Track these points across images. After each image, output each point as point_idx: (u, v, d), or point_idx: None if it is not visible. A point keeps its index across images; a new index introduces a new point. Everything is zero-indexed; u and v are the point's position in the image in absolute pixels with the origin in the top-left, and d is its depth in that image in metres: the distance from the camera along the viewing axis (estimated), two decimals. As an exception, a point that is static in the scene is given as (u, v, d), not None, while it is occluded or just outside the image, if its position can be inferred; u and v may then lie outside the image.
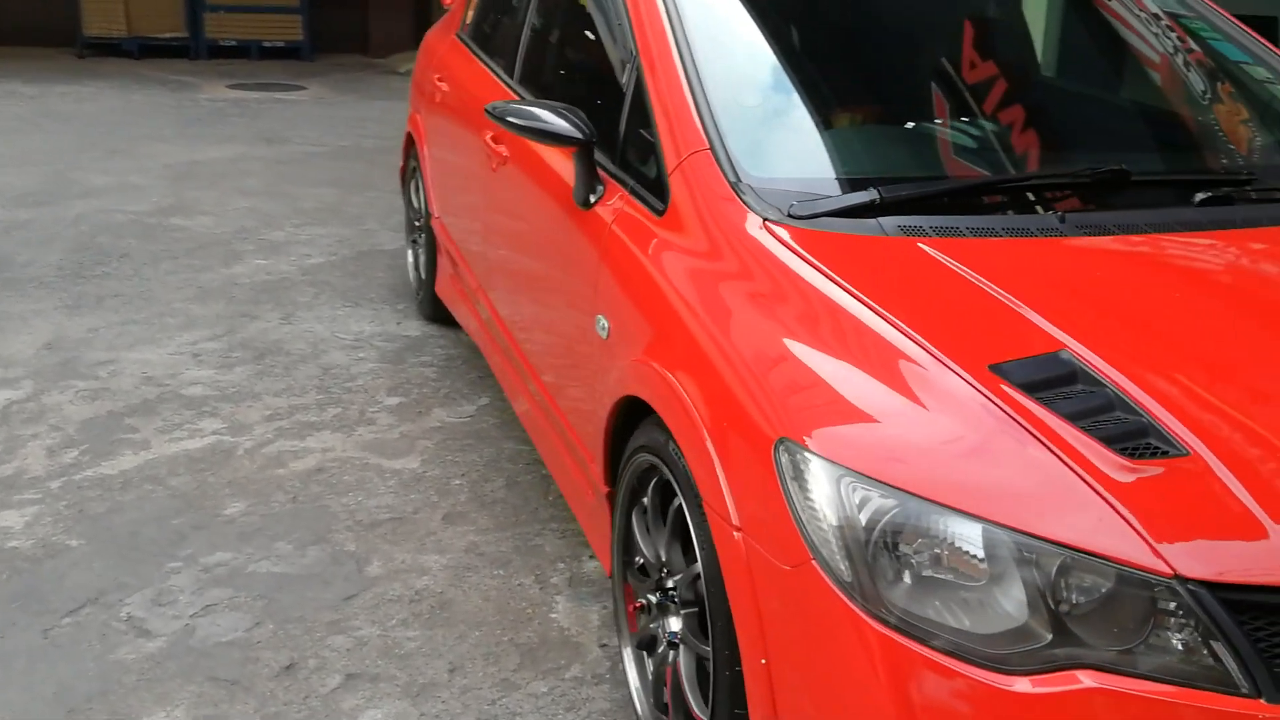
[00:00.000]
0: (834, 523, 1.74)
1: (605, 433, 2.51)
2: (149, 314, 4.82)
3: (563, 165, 2.87)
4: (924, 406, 1.82)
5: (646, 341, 2.30)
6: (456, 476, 3.58)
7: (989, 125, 2.70)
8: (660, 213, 2.42)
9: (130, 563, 3.07)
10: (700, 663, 2.21)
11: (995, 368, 1.84)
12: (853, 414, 1.84)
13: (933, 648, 1.65)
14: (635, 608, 2.52)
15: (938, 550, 1.69)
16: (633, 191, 2.55)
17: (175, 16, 11.59)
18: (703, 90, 2.51)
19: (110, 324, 4.70)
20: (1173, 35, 3.02)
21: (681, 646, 2.25)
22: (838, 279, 2.07)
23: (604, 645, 2.80)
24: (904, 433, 1.80)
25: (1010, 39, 3.10)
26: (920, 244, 2.16)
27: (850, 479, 1.74)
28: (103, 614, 2.86)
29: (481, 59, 3.96)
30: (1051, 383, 1.83)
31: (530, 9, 3.58)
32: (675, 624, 2.33)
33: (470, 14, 4.37)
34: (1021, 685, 1.61)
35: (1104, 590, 1.63)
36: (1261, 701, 1.57)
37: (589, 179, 2.66)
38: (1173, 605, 1.60)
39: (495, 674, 2.68)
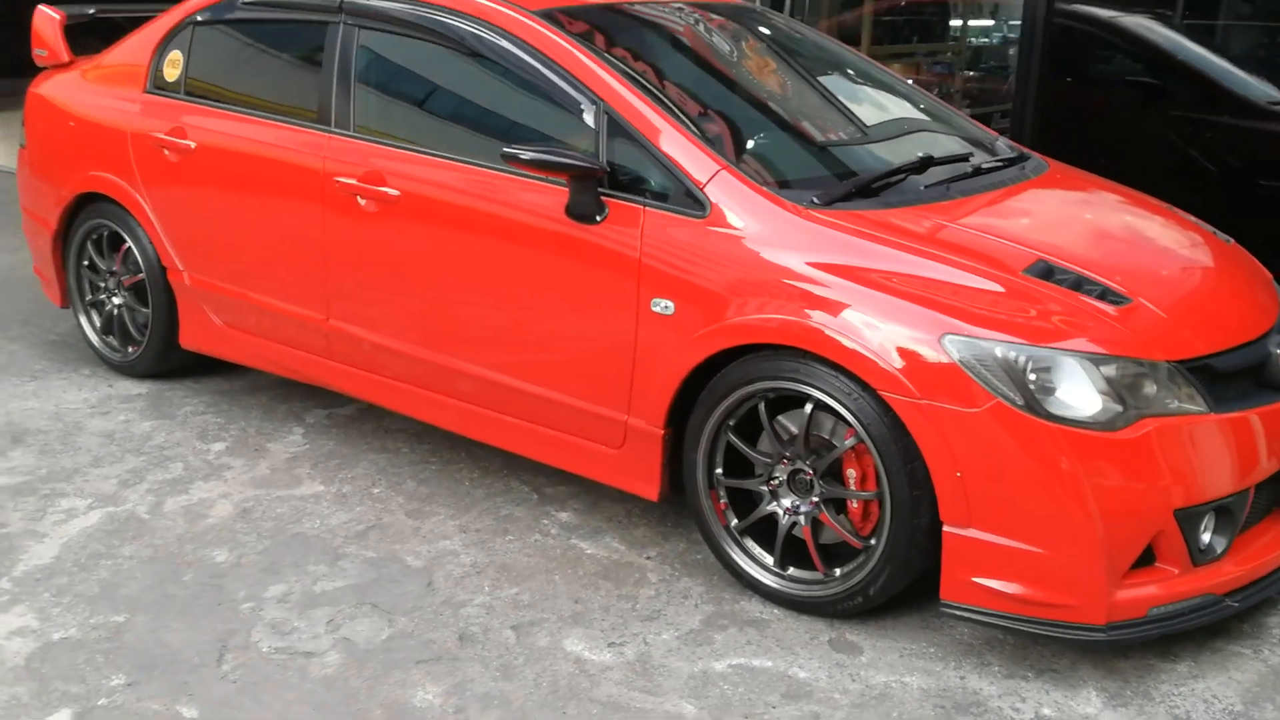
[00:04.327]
0: (1003, 372, 2.90)
1: (677, 386, 3.35)
2: None
3: (516, 200, 3.57)
4: (1012, 298, 3.04)
5: (739, 305, 3.21)
6: (372, 486, 3.99)
7: (859, 135, 3.95)
8: (702, 216, 3.31)
9: (201, 617, 3.20)
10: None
11: (1025, 270, 3.12)
12: (977, 311, 2.99)
13: (1078, 427, 2.90)
14: (722, 507, 3.41)
15: (1054, 373, 2.93)
16: (654, 205, 3.38)
17: None
18: (692, 124, 3.44)
19: None
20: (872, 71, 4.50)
21: (822, 505, 3.23)
22: (888, 237, 3.19)
23: (649, 557, 3.60)
24: (1011, 314, 3.00)
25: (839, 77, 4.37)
26: (913, 211, 3.35)
27: (1004, 345, 2.92)
28: (248, 655, 3.03)
29: (257, 115, 4.24)
30: (1049, 274, 3.14)
31: (352, 62, 4.02)
32: (788, 501, 3.29)
33: (177, 70, 4.52)
34: (1126, 435, 2.92)
35: (1134, 373, 2.98)
36: (1211, 415, 3.03)
37: (595, 201, 3.43)
38: (1165, 373, 3.01)
39: (610, 593, 3.38)
